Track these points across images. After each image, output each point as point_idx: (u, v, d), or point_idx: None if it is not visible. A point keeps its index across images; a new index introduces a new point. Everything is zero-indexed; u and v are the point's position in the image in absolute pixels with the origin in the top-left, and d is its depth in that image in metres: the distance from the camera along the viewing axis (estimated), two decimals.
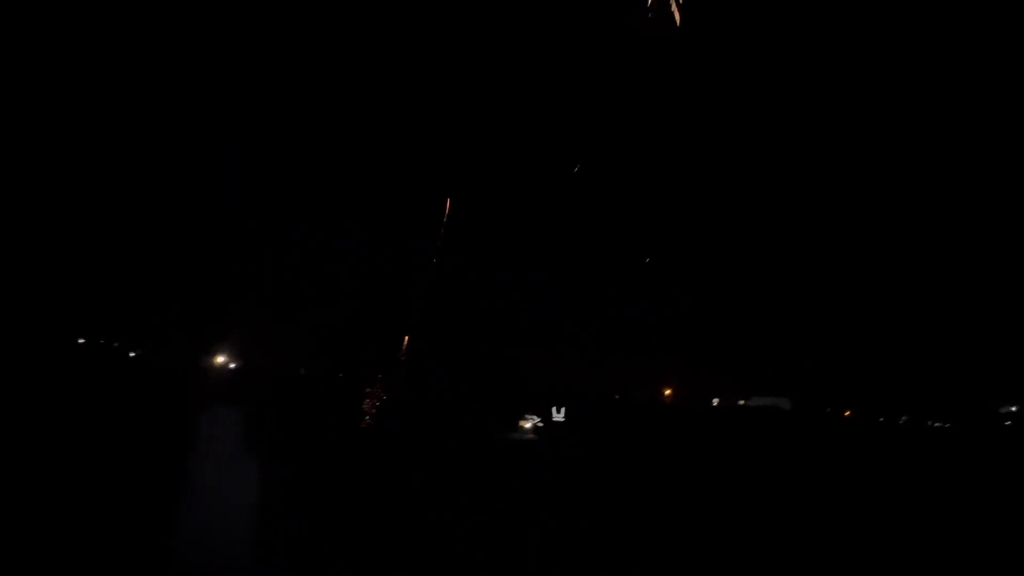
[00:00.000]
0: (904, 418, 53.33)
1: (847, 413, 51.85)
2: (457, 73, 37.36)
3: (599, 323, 44.12)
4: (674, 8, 34.75)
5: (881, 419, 51.89)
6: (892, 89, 41.48)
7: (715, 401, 49.59)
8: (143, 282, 39.60)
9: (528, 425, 37.26)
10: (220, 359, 42.62)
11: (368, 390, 38.47)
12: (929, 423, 53.25)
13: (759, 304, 48.32)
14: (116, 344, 43.04)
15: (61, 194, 37.23)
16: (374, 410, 37.53)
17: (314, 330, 40.13)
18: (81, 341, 42.98)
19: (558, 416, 37.33)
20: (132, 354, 43.04)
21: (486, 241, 40.09)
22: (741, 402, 49.90)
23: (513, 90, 37.36)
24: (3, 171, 34.88)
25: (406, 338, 38.53)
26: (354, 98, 38.15)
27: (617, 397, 46.61)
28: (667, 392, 47.50)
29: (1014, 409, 48.30)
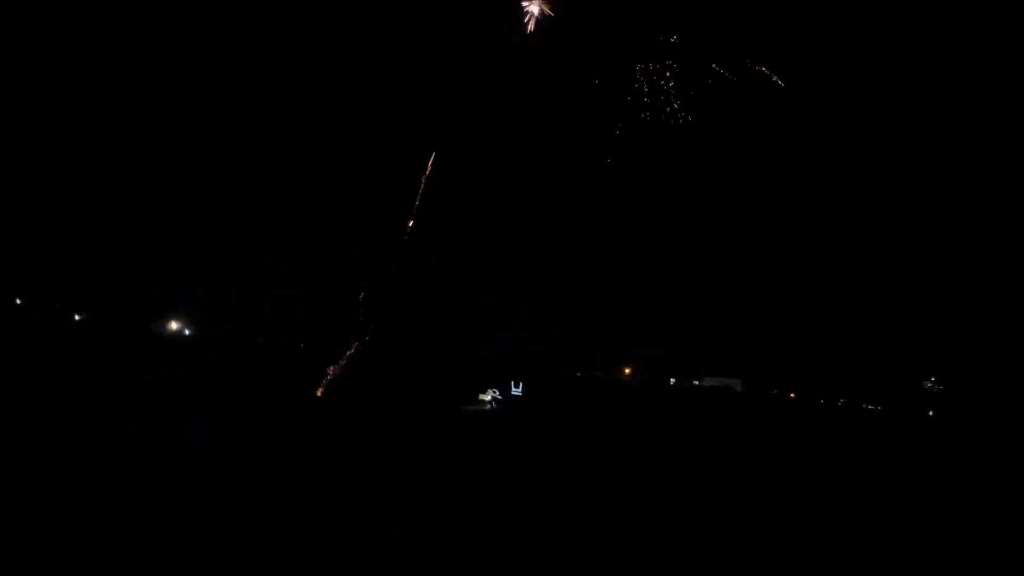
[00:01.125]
0: (842, 400, 56.61)
1: (792, 395, 54.64)
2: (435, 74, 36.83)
3: (566, 306, 44.86)
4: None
5: (821, 401, 54.95)
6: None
7: (672, 381, 51.35)
8: (100, 252, 38.25)
9: (487, 397, 37.95)
10: (174, 325, 41.46)
11: (328, 360, 38.22)
12: (864, 405, 56.70)
13: (717, 292, 49.90)
14: (58, 306, 41.23)
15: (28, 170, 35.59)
16: (334, 378, 37.42)
17: (275, 303, 39.55)
18: (19, 302, 41.05)
19: (516, 391, 38.14)
20: (77, 317, 41.35)
21: (455, 224, 40.00)
22: (696, 383, 51.87)
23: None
24: None
25: (364, 316, 38.27)
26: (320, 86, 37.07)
27: (578, 375, 47.62)
28: (627, 371, 48.92)
29: (933, 383, 51.83)
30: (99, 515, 9.00)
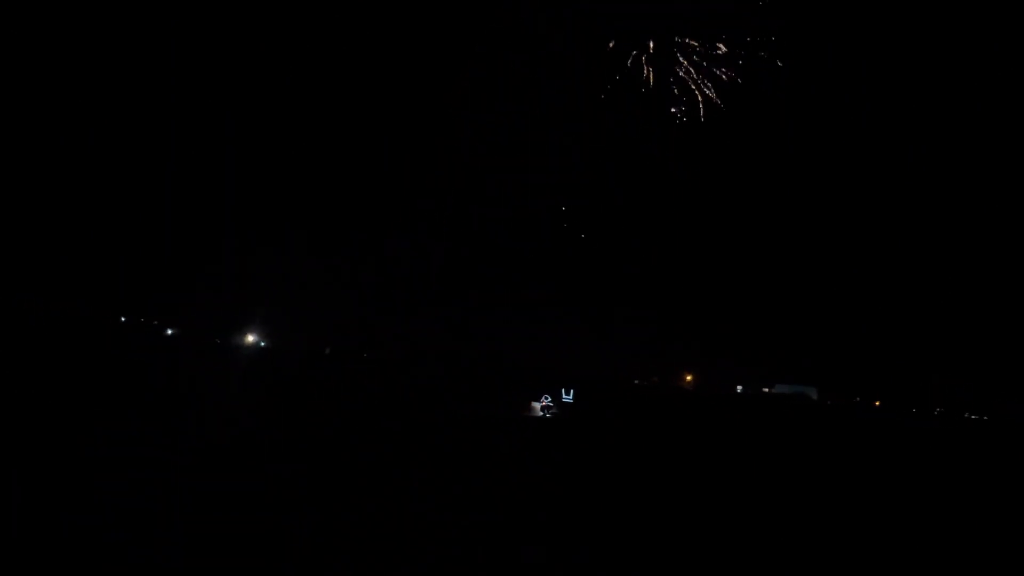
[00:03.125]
0: (939, 409, 51.45)
1: (876, 403, 50.38)
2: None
3: (624, 310, 44.32)
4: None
5: (913, 410, 50.25)
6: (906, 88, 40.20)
7: (738, 388, 49.02)
8: (183, 273, 42.06)
9: (538, 405, 38.27)
10: (251, 338, 44.91)
11: (389, 369, 39.85)
12: (965, 415, 51.22)
13: (790, 295, 47.42)
14: (155, 322, 45.97)
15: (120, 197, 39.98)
16: (398, 386, 38.86)
17: (338, 318, 41.88)
18: (123, 319, 46.11)
19: (567, 397, 38.07)
20: (169, 331, 45.82)
21: (509, 231, 40.85)
22: (765, 390, 49.13)
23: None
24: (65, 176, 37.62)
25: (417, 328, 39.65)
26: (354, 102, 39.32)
27: (636, 382, 46.68)
28: (688, 378, 47.28)
29: None
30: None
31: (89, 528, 9.14)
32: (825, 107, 40.59)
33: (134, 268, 41.23)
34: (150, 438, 15.24)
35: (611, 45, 36.83)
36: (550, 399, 39.31)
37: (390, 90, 40.29)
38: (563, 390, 39.55)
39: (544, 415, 38.90)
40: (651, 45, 36.53)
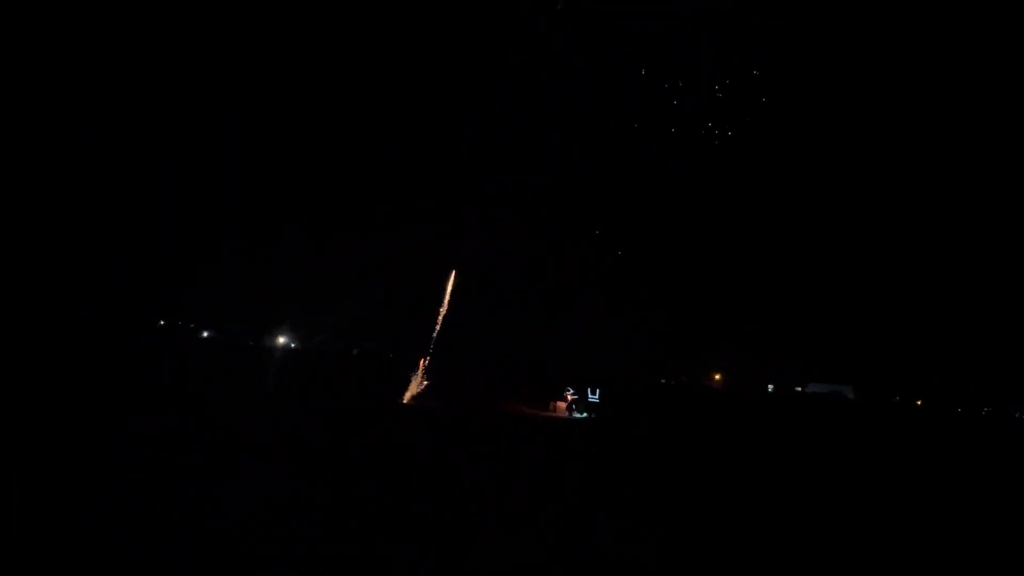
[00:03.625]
0: (987, 409, 49.14)
1: (918, 403, 48.44)
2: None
3: (651, 309, 43.79)
4: None
5: (959, 410, 48.13)
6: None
7: (770, 387, 47.89)
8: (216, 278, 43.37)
9: (563, 404, 37.83)
10: (282, 340, 46.09)
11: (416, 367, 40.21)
12: (1017, 414, 48.81)
13: (824, 292, 46.08)
14: (192, 325, 47.60)
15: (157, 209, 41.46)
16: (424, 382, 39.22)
17: (366, 319, 42.58)
18: (162, 323, 47.89)
19: (592, 397, 37.58)
20: (205, 334, 47.35)
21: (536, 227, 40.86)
22: (798, 389, 47.85)
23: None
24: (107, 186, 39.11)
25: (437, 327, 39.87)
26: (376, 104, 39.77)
27: (663, 381, 46.05)
28: (716, 377, 46.40)
29: None
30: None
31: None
32: (853, 103, 39.41)
33: (171, 274, 42.76)
34: (181, 435, 15.60)
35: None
36: (573, 391, 38.68)
37: (422, 93, 40.63)
38: (588, 390, 39.11)
39: (569, 415, 38.21)
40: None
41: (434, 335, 38.12)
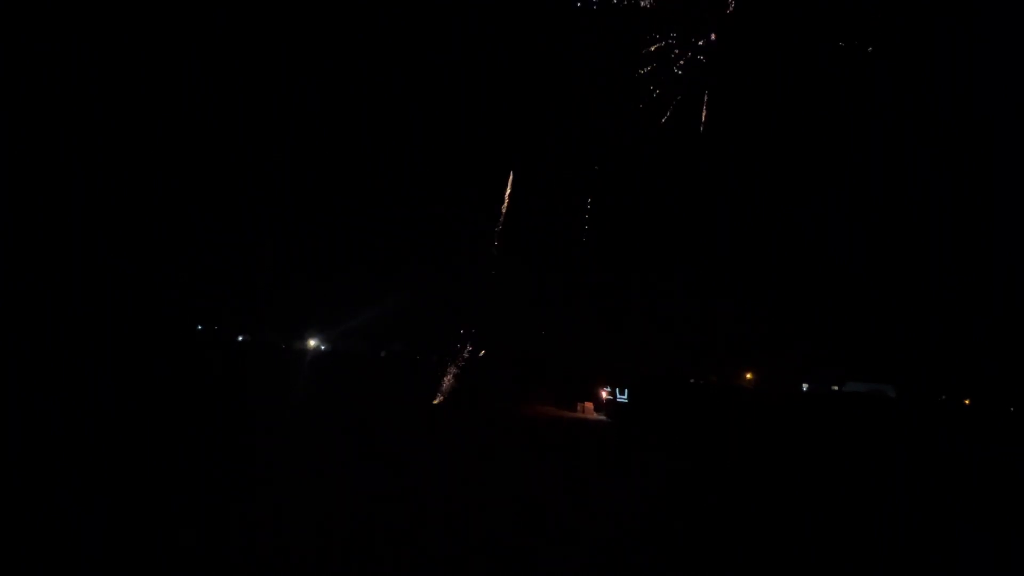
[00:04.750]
0: None
1: (967, 402, 46.23)
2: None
3: (682, 306, 42.96)
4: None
5: (1011, 409, 45.73)
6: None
7: (804, 386, 46.43)
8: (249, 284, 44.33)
9: (591, 404, 37.56)
10: (312, 343, 46.86)
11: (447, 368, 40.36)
12: None
13: (860, 286, 44.50)
14: (227, 329, 48.88)
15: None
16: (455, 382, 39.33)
17: (393, 322, 42.98)
18: (200, 328, 49.21)
19: (621, 397, 37.12)
20: (240, 338, 48.43)
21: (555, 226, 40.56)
22: (835, 388, 46.25)
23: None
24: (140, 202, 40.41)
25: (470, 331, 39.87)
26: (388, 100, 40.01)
27: (692, 380, 45.06)
28: (747, 376, 45.20)
29: None
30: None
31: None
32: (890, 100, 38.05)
33: (207, 280, 43.90)
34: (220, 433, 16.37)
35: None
36: (611, 391, 38.14)
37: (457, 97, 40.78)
38: (616, 390, 38.60)
39: (604, 416, 37.57)
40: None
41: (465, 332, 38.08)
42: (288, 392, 28.77)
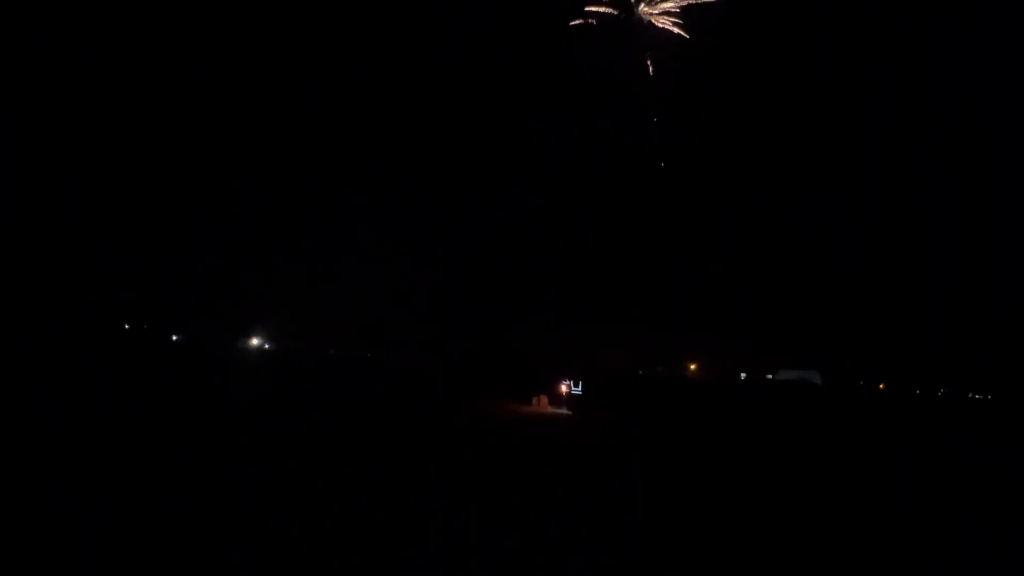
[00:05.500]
0: (942, 390, 51.64)
1: (881, 386, 50.57)
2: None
3: (626, 302, 44.41)
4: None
5: (917, 392, 50.46)
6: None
7: (742, 375, 49.26)
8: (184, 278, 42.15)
9: (545, 398, 38.11)
10: (255, 341, 44.95)
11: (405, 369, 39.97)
12: (971, 394, 51.43)
13: (788, 279, 47.50)
14: (158, 328, 45.98)
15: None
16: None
17: (343, 321, 42.08)
18: (127, 327, 46.11)
19: (575, 390, 37.94)
20: (174, 337, 45.78)
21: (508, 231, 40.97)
22: (769, 376, 49.37)
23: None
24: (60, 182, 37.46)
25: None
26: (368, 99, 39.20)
27: (640, 372, 46.79)
28: (692, 367, 47.46)
29: None
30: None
31: (87, 528, 9.12)
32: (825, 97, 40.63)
33: (137, 274, 41.28)
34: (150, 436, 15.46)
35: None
36: (572, 383, 38.81)
37: (402, 90, 40.18)
38: (571, 382, 39.42)
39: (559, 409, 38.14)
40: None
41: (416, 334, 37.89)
42: (245, 395, 27.66)
